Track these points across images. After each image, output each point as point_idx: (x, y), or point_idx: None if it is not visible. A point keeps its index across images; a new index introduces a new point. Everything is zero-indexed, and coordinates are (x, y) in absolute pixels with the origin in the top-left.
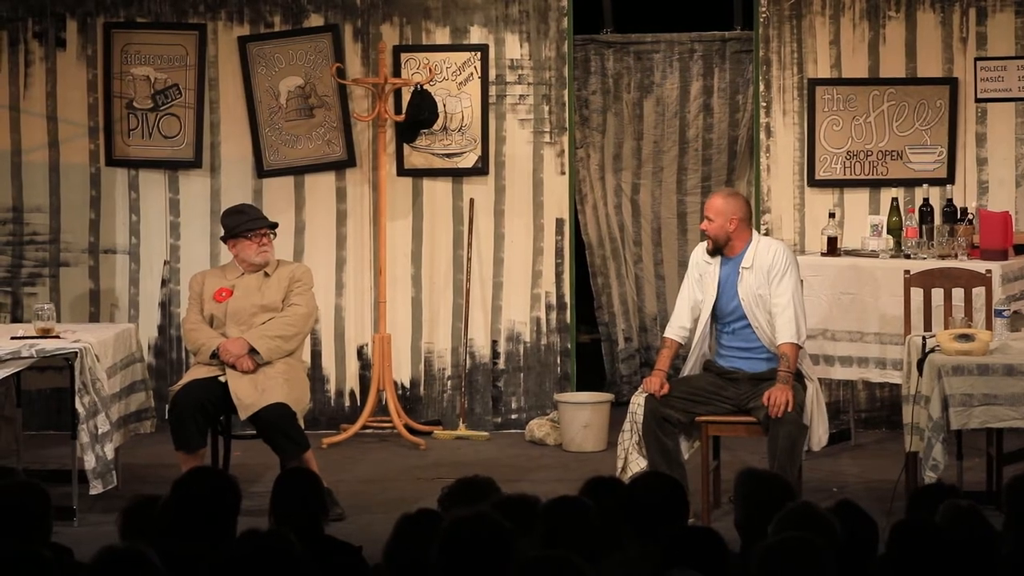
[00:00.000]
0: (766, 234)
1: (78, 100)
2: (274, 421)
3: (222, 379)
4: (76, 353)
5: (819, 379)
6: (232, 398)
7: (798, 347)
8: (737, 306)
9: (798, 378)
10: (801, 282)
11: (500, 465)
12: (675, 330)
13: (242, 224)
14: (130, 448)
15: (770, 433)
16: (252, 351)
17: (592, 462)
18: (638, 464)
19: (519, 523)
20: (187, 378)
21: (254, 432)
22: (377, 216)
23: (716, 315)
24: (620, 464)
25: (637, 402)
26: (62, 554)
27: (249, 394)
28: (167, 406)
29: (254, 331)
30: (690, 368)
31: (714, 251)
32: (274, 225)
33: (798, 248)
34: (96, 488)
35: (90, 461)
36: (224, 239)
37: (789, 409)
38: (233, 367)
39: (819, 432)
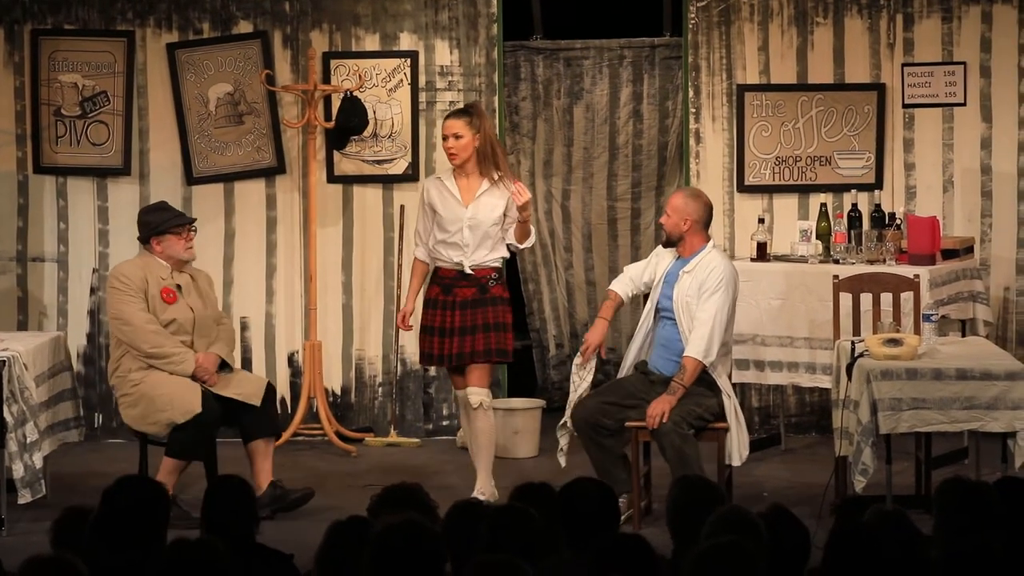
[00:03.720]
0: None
1: (5, 107)
2: (272, 397)
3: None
4: (4, 362)
5: (750, 384)
6: (234, 398)
7: (701, 364)
8: (671, 305)
9: (714, 390)
10: (734, 304)
11: (431, 472)
12: (620, 285)
13: (170, 220)
14: (58, 457)
15: (658, 445)
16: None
17: (523, 468)
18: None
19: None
20: (189, 391)
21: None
22: (307, 223)
23: (657, 306)
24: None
25: (578, 375)
26: None
27: (241, 386)
28: (187, 419)
29: (220, 345)
30: (632, 357)
31: (667, 244)
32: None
33: (728, 253)
34: (25, 497)
35: (18, 470)
36: (148, 237)
37: (664, 420)
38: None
39: (739, 447)
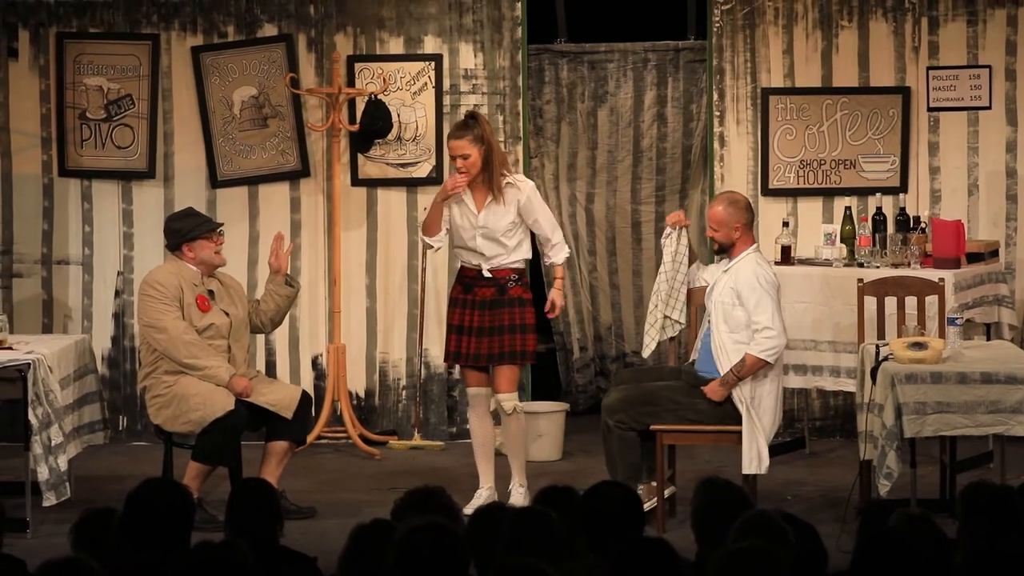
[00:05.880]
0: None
1: (31, 110)
2: (307, 405)
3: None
4: (29, 365)
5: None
6: (267, 409)
7: (761, 362)
8: (711, 303)
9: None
10: (778, 297)
11: (455, 475)
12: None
13: (201, 225)
14: (82, 459)
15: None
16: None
17: (547, 471)
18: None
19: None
20: (223, 391)
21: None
22: (331, 226)
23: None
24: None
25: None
26: (14, 566)
27: (275, 394)
28: (209, 424)
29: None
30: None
31: (720, 251)
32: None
33: None
34: (49, 500)
35: (43, 473)
36: (180, 244)
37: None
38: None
39: (752, 455)
